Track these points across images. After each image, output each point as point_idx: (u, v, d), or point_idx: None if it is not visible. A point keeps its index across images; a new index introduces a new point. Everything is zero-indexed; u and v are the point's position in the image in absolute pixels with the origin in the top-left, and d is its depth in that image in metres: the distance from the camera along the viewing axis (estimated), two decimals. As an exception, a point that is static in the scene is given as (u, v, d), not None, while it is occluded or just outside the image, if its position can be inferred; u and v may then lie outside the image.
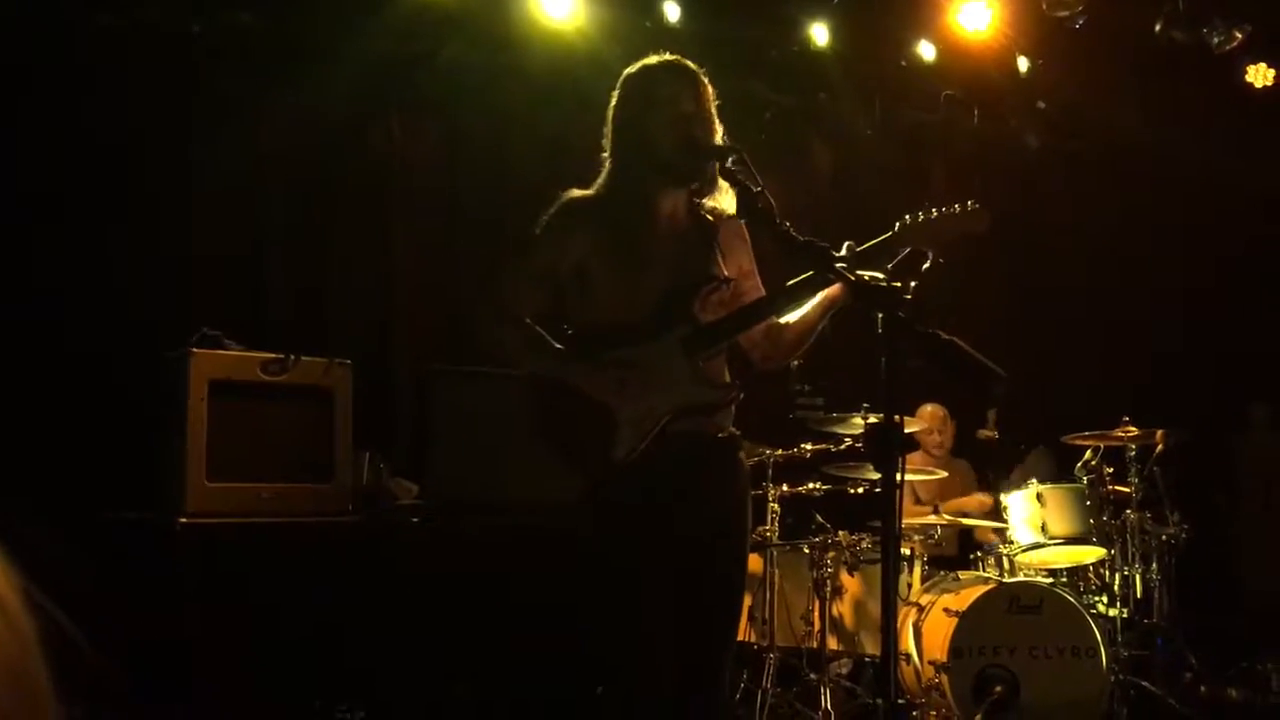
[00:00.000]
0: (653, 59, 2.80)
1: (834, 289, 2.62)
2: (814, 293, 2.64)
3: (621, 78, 2.84)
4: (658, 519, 2.64)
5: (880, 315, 2.00)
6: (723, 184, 2.72)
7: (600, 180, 2.82)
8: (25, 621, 0.70)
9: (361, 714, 4.05)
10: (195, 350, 4.04)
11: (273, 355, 4.18)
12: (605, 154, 2.83)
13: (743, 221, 2.80)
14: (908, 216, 2.60)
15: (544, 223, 2.78)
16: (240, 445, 4.07)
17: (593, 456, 2.64)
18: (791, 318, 2.76)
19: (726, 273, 2.78)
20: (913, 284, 2.02)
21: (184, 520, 3.88)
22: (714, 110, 2.73)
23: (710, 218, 2.81)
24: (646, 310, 2.69)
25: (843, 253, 2.50)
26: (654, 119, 2.71)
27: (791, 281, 2.64)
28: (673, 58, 2.79)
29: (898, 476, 1.90)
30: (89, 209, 4.75)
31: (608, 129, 2.83)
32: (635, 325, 2.68)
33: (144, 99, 4.87)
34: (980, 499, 5.80)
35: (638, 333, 2.67)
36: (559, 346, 2.72)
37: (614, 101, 2.83)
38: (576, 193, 2.80)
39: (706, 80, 2.75)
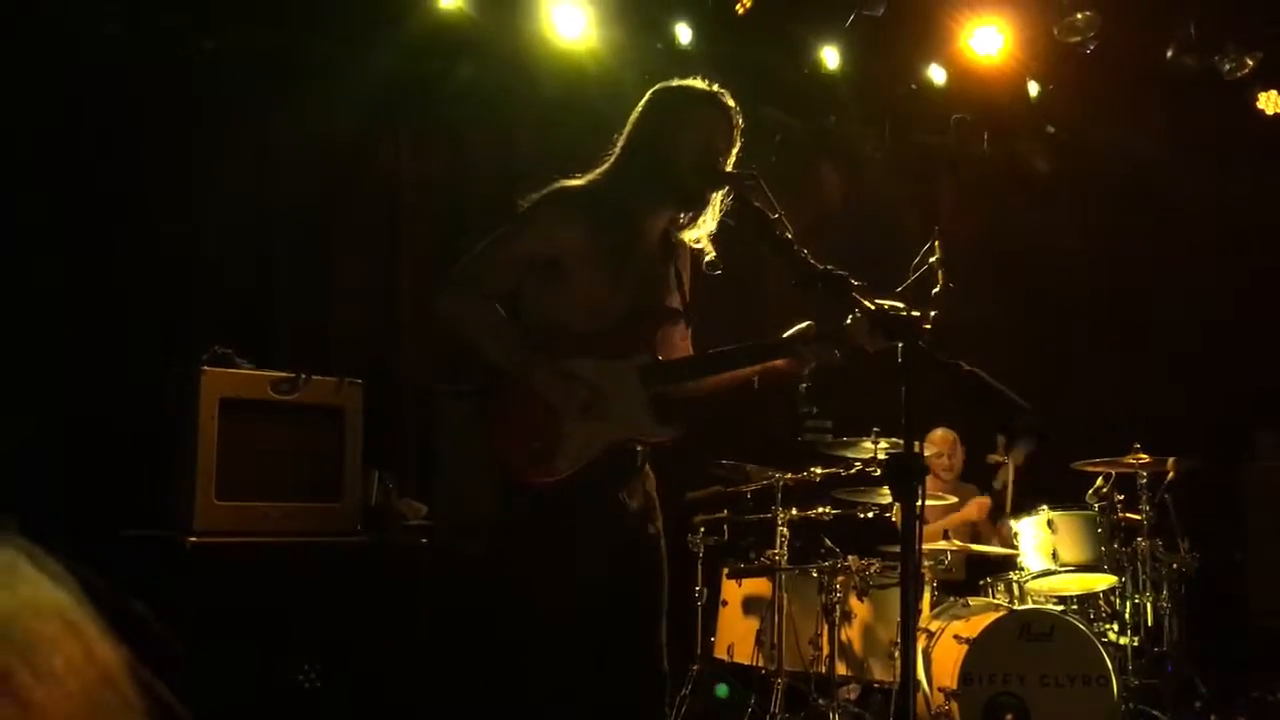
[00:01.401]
0: (700, 83, 2.79)
1: (785, 361, 2.69)
2: (781, 356, 2.70)
3: (661, 87, 2.81)
4: (586, 525, 2.64)
5: (900, 345, 1.99)
6: (702, 217, 2.75)
7: (599, 175, 2.76)
8: (107, 650, 0.69)
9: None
10: (207, 368, 4.04)
11: (284, 374, 4.18)
12: (614, 151, 2.79)
13: (696, 252, 2.84)
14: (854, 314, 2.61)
15: (533, 208, 2.71)
16: (250, 464, 4.06)
17: (528, 462, 2.61)
18: None
19: (678, 303, 2.81)
20: (932, 314, 2.02)
21: (193, 539, 3.86)
22: (736, 153, 2.74)
23: (677, 246, 2.83)
24: (611, 325, 2.68)
25: (797, 329, 2.57)
26: (684, 137, 2.70)
27: (767, 340, 2.70)
28: (721, 90, 2.78)
29: (918, 508, 1.89)
30: (97, 225, 4.75)
31: (629, 129, 2.79)
32: (598, 339, 2.67)
33: (154, 114, 4.89)
34: (979, 501, 5.80)
35: (600, 349, 2.66)
36: (522, 341, 2.65)
37: (646, 107, 2.80)
38: (569, 184, 2.74)
39: (740, 124, 2.74)
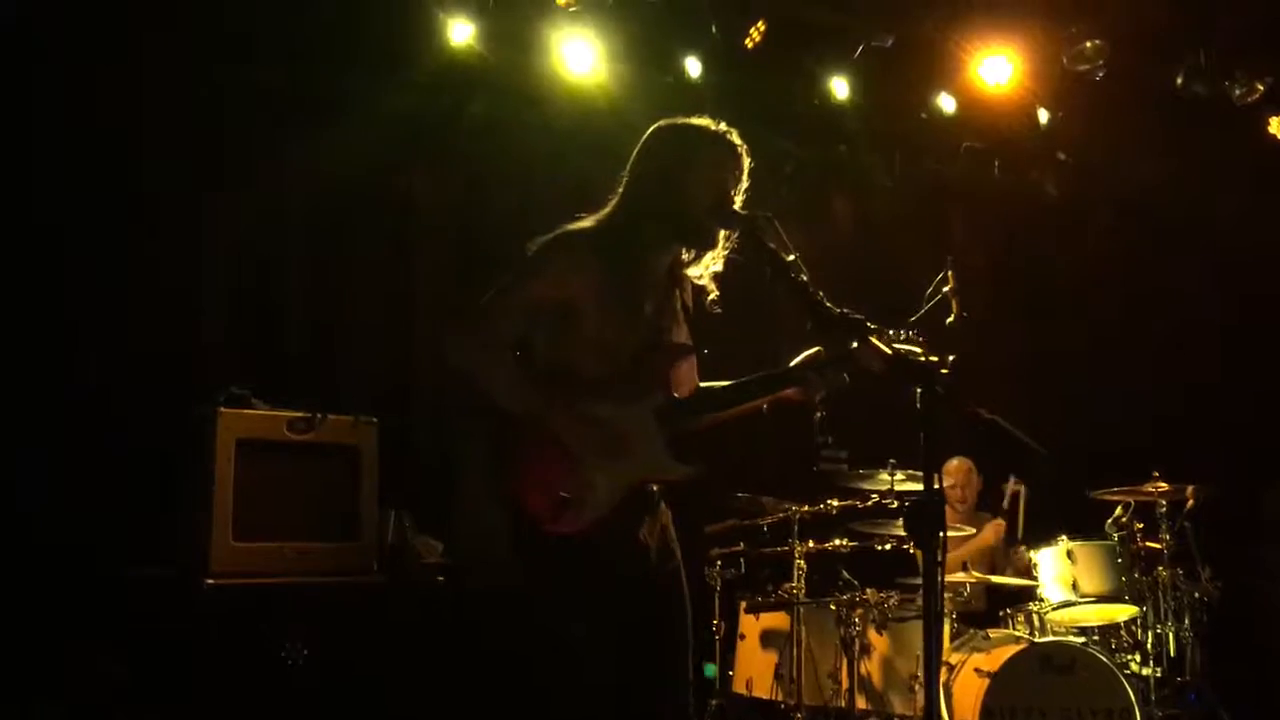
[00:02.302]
0: (706, 121, 2.78)
1: (795, 389, 2.69)
2: (791, 385, 2.68)
3: (665, 125, 2.80)
4: (610, 571, 2.62)
5: (919, 391, 1.98)
6: (708, 255, 2.75)
7: (606, 216, 2.75)
8: None
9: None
10: (223, 409, 4.05)
11: (300, 414, 4.19)
12: (619, 190, 2.78)
13: (699, 287, 2.83)
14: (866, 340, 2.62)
15: (541, 253, 2.69)
16: (266, 504, 4.07)
17: (555, 509, 2.57)
18: None
19: (685, 337, 2.81)
20: (951, 357, 2.02)
21: (210, 581, 3.87)
22: (744, 190, 2.74)
23: (682, 279, 2.83)
24: (624, 366, 2.66)
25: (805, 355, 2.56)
26: (692, 177, 2.69)
27: (777, 370, 2.69)
28: (727, 129, 2.77)
29: (939, 555, 1.88)
30: (111, 261, 4.77)
31: (633, 168, 2.78)
32: (613, 381, 2.65)
33: (166, 149, 4.92)
34: (995, 524, 5.77)
35: (614, 391, 2.64)
36: (540, 388, 2.63)
37: (650, 146, 2.78)
38: (577, 227, 2.72)
39: (748, 163, 2.75)
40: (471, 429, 4.53)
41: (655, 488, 2.75)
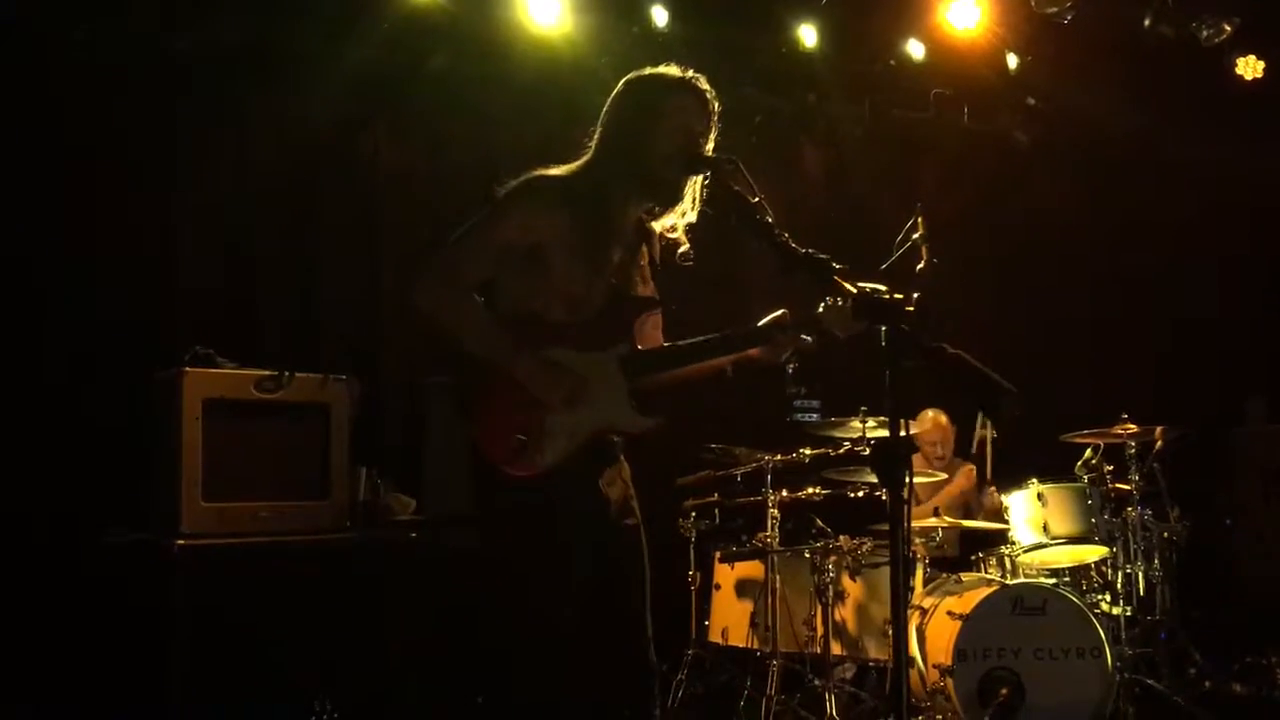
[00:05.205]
0: (673, 69, 2.76)
1: (759, 349, 2.72)
2: (757, 345, 2.70)
3: (634, 76, 2.79)
4: (570, 520, 2.62)
5: (884, 329, 1.97)
6: (679, 206, 2.74)
7: (577, 167, 2.74)
8: None
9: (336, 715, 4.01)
10: (188, 369, 4.01)
11: (267, 372, 4.15)
12: (591, 141, 2.77)
13: (670, 242, 2.83)
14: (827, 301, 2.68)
15: (510, 196, 2.67)
16: (236, 464, 4.04)
17: (511, 455, 2.57)
18: None
19: (651, 292, 2.81)
20: (915, 295, 2.01)
21: (181, 542, 3.84)
22: (714, 137, 2.72)
23: (650, 235, 2.82)
24: (589, 315, 2.66)
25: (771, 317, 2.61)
26: (658, 126, 2.68)
27: (742, 329, 2.70)
28: (694, 75, 2.75)
29: (905, 494, 1.88)
30: (75, 227, 4.71)
31: (603, 121, 2.77)
32: (577, 329, 2.65)
33: (127, 115, 4.84)
34: (966, 470, 5.82)
35: (578, 339, 2.64)
36: (505, 331, 2.62)
37: (620, 98, 2.78)
38: (548, 172, 2.71)
39: (716, 108, 2.73)
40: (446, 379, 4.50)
41: (616, 439, 2.74)
